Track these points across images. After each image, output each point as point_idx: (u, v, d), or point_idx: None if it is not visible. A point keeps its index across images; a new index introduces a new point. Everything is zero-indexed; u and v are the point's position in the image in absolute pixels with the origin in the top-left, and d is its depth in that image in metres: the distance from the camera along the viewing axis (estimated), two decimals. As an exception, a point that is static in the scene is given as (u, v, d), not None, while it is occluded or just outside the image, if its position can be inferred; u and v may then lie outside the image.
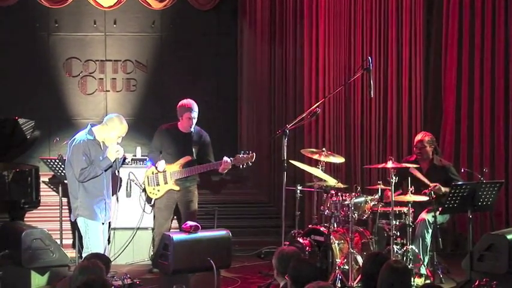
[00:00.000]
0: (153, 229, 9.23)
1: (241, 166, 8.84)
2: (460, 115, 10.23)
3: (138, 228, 9.31)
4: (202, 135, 8.99)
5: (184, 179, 8.84)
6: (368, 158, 10.37)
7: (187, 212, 8.87)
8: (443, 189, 8.37)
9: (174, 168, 8.80)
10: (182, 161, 8.80)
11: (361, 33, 10.37)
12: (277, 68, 10.59)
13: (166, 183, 8.84)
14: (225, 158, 8.73)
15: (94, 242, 7.61)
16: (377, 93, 10.18)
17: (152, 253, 9.16)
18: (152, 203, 9.07)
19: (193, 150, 8.87)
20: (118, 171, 7.88)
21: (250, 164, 8.83)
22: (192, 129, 8.89)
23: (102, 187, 7.69)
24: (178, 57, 10.68)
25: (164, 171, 8.82)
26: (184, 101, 8.89)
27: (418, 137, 8.96)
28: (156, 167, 8.83)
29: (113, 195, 7.98)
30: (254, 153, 8.82)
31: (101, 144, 7.70)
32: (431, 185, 8.36)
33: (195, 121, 8.86)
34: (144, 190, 9.04)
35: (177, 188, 8.82)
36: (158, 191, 8.88)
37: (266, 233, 10.11)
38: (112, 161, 7.61)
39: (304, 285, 5.05)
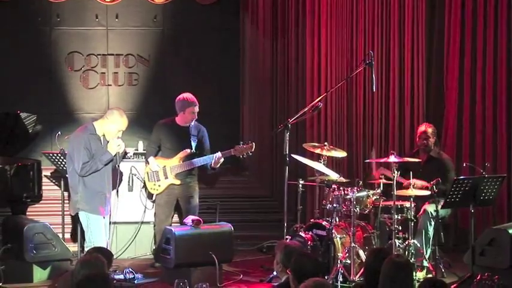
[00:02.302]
0: (154, 225, 9.22)
1: (241, 156, 8.83)
2: (462, 109, 10.21)
3: (142, 223, 9.29)
4: (201, 129, 8.98)
5: (185, 174, 8.82)
6: (370, 152, 10.34)
7: (189, 207, 8.85)
8: (419, 183, 8.35)
9: (173, 163, 8.79)
10: (181, 154, 8.78)
11: (363, 27, 10.34)
12: (279, 63, 10.57)
13: (166, 178, 8.82)
14: (218, 154, 8.70)
15: (96, 236, 7.62)
16: (379, 88, 10.15)
17: (154, 247, 9.15)
18: (153, 198, 9.06)
19: (192, 144, 8.86)
20: (118, 166, 7.88)
21: (250, 154, 8.82)
22: (192, 123, 8.89)
23: (102, 181, 7.70)
24: (180, 52, 10.67)
25: (164, 167, 8.80)
26: (186, 95, 8.87)
27: (422, 128, 8.98)
28: (149, 166, 8.85)
29: (113, 189, 7.98)
30: (253, 143, 8.80)
31: (102, 138, 7.70)
32: (405, 182, 8.30)
33: (196, 116, 8.86)
34: (145, 186, 9.03)
35: (178, 182, 8.80)
36: (159, 186, 8.86)
37: (268, 228, 10.10)
38: (113, 155, 7.61)
39: (305, 279, 5.04)
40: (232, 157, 8.89)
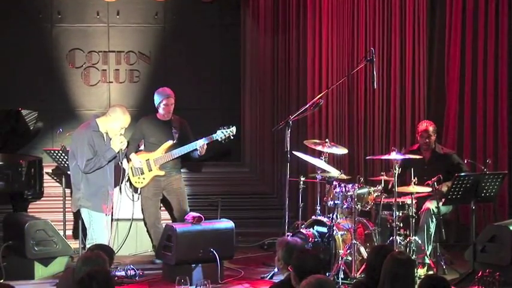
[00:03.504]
0: (145, 221, 9.20)
1: (223, 141, 8.88)
2: (463, 106, 10.20)
3: (133, 220, 9.30)
4: (182, 122, 9.11)
5: (169, 167, 8.88)
6: (371, 149, 10.35)
7: (178, 199, 8.95)
8: (444, 187, 8.33)
9: (157, 155, 8.85)
10: (165, 145, 8.86)
11: (364, 24, 10.33)
12: (280, 59, 10.56)
13: (150, 170, 8.88)
14: (201, 141, 8.78)
15: (99, 233, 7.63)
16: (380, 85, 10.14)
17: (153, 244, 9.15)
18: (139, 191, 9.10)
19: (174, 135, 8.95)
20: (121, 162, 7.90)
21: (232, 137, 8.90)
22: (171, 117, 8.97)
23: (105, 178, 7.71)
24: (181, 48, 10.66)
25: (147, 160, 8.85)
26: (159, 89, 9.05)
27: (423, 126, 8.96)
28: (132, 163, 8.90)
29: (115, 186, 7.99)
30: (234, 127, 8.90)
31: (104, 135, 7.71)
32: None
33: (172, 107, 8.94)
34: (129, 181, 9.07)
35: (162, 173, 8.87)
36: (144, 179, 8.92)
37: (269, 224, 10.10)
38: (116, 152, 7.63)
39: (306, 276, 5.05)
40: (220, 145, 8.99)
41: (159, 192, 8.98)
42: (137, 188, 9.09)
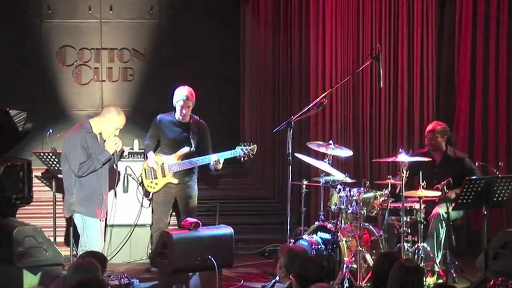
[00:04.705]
0: (151, 225, 9.23)
1: (242, 159, 8.83)
2: (474, 106, 10.21)
3: (136, 225, 9.30)
4: (201, 126, 8.98)
5: (183, 174, 8.83)
6: (377, 151, 10.36)
7: (187, 209, 8.88)
8: (453, 195, 8.33)
9: (172, 161, 8.80)
10: (180, 152, 8.79)
11: (370, 20, 10.34)
12: (282, 57, 10.58)
13: (164, 176, 8.84)
14: (214, 156, 8.69)
15: (92, 240, 7.62)
16: (387, 83, 10.16)
17: (150, 251, 9.16)
18: (150, 197, 9.08)
19: (192, 141, 8.87)
20: (116, 165, 7.90)
21: (252, 156, 8.82)
22: (189, 119, 8.89)
23: (99, 182, 7.71)
24: (178, 45, 10.67)
25: (162, 164, 8.82)
26: (178, 88, 8.89)
27: (429, 126, 8.96)
28: (147, 162, 8.86)
29: (110, 190, 7.99)
30: (255, 145, 8.81)
31: (98, 137, 7.71)
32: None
33: (189, 110, 8.85)
34: (142, 183, 9.05)
35: (175, 181, 8.82)
36: (156, 184, 8.88)
37: (270, 230, 10.12)
38: (111, 154, 7.63)
39: (309, 284, 5.05)
40: (233, 158, 8.88)
41: (169, 199, 8.94)
42: (149, 193, 9.06)
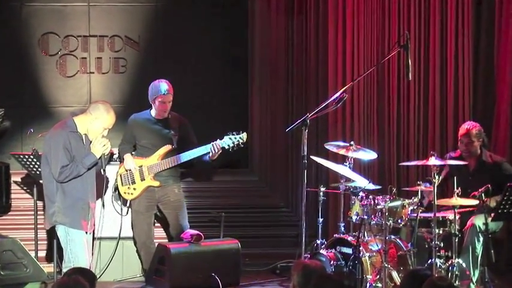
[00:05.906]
0: (134, 239, 9.20)
1: (230, 149, 8.86)
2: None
3: (126, 238, 9.31)
4: (182, 121, 9.09)
5: (165, 175, 8.88)
6: (405, 154, 10.36)
7: (176, 216, 8.91)
8: (493, 203, 8.33)
9: (151, 161, 8.86)
10: (161, 151, 8.85)
11: (397, 2, 10.34)
12: (296, 45, 10.59)
13: (143, 179, 8.88)
14: (217, 142, 8.75)
15: (77, 255, 7.62)
16: (416, 76, 10.16)
17: (143, 267, 9.18)
18: (128, 204, 9.10)
19: (173, 139, 8.93)
20: (104, 170, 7.91)
21: (242, 145, 8.86)
22: (168, 115, 8.97)
23: (85, 189, 7.71)
24: (177, 33, 10.70)
25: (140, 167, 8.86)
26: (155, 82, 8.97)
27: (463, 129, 8.91)
28: (124, 165, 8.91)
29: (97, 198, 8.01)
30: (245, 133, 8.86)
31: (84, 137, 7.73)
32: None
33: (169, 106, 8.93)
34: (117, 190, 9.08)
35: (156, 183, 8.86)
36: (134, 189, 8.93)
37: (282, 244, 10.13)
38: (98, 158, 7.64)
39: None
40: (226, 153, 8.93)
41: (152, 206, 8.99)
42: (126, 200, 9.09)
